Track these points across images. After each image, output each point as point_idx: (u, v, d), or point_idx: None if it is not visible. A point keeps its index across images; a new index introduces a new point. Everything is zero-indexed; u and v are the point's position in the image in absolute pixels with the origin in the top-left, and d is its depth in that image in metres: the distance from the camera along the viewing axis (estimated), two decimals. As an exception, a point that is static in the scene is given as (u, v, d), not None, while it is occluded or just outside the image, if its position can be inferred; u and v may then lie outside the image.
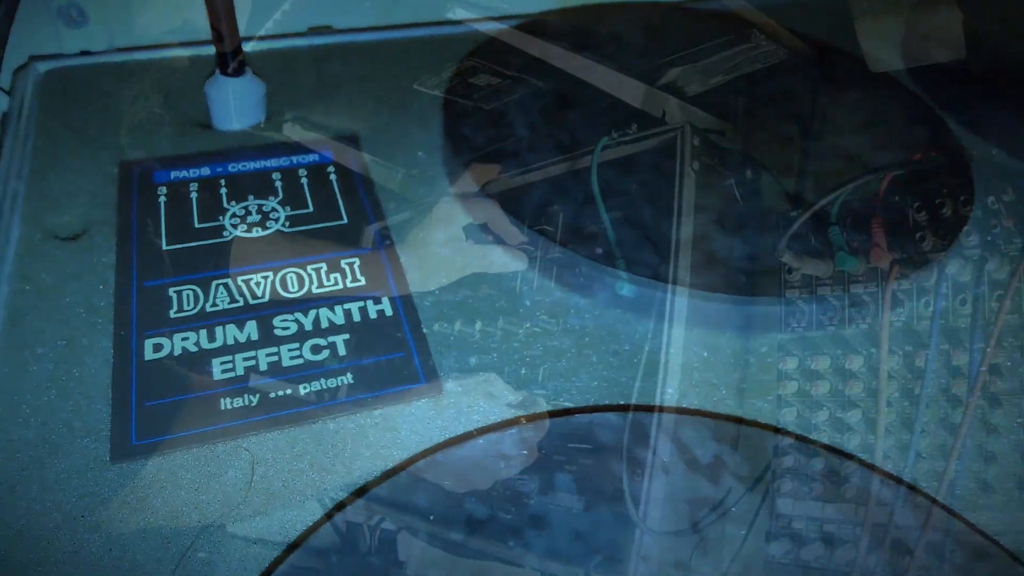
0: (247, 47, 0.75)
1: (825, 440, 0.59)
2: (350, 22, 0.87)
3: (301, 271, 0.62)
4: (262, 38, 0.82)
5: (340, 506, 0.49)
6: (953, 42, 0.72)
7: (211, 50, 0.71)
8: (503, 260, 0.65)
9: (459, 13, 0.84)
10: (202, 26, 0.70)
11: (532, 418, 0.55)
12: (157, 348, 0.56)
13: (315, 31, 0.84)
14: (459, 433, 0.54)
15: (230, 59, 0.69)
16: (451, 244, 0.64)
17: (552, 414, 0.56)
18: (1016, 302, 0.55)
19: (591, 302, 0.63)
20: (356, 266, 0.62)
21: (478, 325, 0.61)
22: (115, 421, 0.51)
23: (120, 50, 0.82)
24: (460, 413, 0.55)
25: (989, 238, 0.58)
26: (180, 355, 0.55)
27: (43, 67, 0.80)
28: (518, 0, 0.91)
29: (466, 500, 0.51)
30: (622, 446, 0.54)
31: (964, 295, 0.57)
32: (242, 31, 0.71)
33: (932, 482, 0.54)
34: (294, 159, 0.71)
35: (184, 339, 0.56)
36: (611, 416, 0.55)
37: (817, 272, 0.63)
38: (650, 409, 0.56)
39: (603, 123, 0.73)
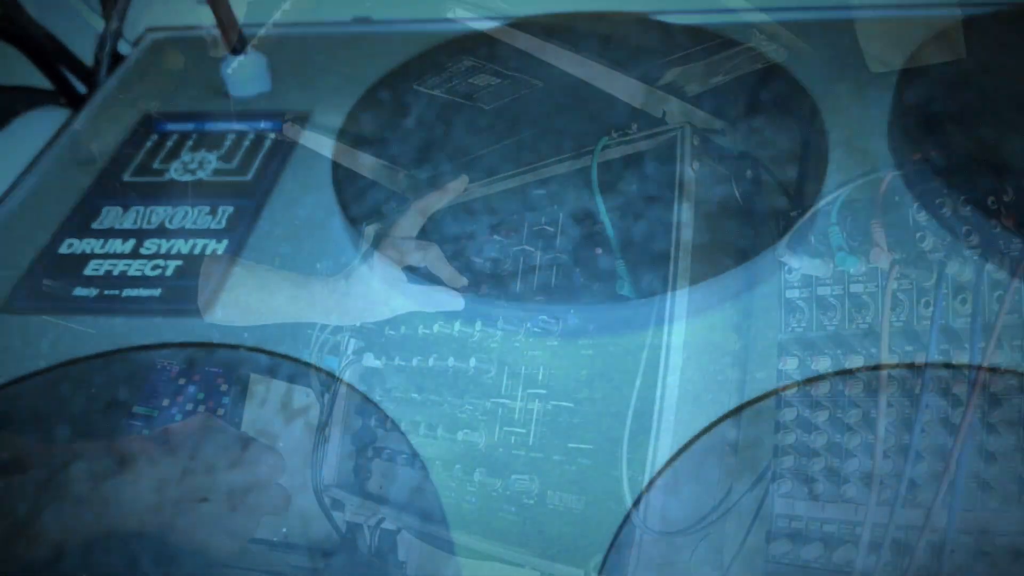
0: (297, 30, 0.93)
1: (824, 440, 0.58)
2: (386, 15, 0.95)
3: (189, 209, 0.76)
4: (300, 24, 0.95)
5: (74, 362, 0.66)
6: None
7: (304, 31, 0.90)
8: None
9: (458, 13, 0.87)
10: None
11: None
12: (68, 246, 0.75)
13: (357, 21, 0.96)
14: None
15: (232, 39, 0.85)
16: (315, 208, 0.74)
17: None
18: (1016, 302, 0.55)
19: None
20: (228, 214, 0.76)
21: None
22: (14, 291, 0.72)
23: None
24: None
25: (989, 238, 0.58)
26: (77, 254, 0.74)
27: (152, 36, 0.97)
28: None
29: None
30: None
31: (964, 295, 0.57)
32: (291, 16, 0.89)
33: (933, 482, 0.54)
34: (251, 124, 0.84)
35: (86, 244, 0.74)
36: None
37: (817, 272, 0.63)
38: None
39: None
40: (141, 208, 0.76)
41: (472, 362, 0.65)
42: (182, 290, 0.70)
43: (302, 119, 0.83)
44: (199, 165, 0.80)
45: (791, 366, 0.61)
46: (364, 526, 0.67)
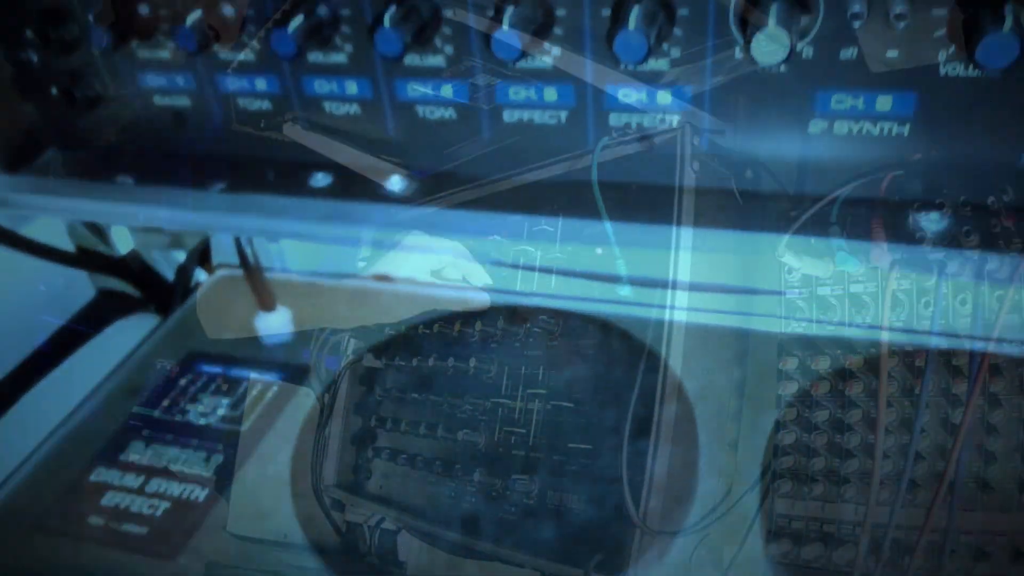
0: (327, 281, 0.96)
1: (825, 440, 0.58)
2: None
3: (192, 453, 0.82)
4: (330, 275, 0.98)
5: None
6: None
7: (333, 282, 0.91)
8: None
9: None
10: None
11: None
12: (98, 475, 0.81)
13: (379, 278, 0.96)
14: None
15: (262, 297, 0.93)
16: None
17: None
18: (1016, 302, 0.55)
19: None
20: (218, 463, 0.80)
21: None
22: (48, 511, 0.78)
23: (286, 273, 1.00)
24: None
25: (989, 238, 0.58)
26: (102, 482, 0.80)
27: (222, 273, 1.03)
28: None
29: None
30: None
31: (964, 295, 0.57)
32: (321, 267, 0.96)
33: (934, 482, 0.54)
34: (259, 374, 0.90)
35: (111, 474, 0.81)
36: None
37: (817, 272, 0.63)
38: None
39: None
40: (159, 446, 0.83)
41: (472, 362, 0.65)
42: (161, 533, 0.75)
43: (304, 371, 0.86)
44: (211, 410, 0.86)
45: (791, 366, 0.61)
46: (364, 526, 0.67)
